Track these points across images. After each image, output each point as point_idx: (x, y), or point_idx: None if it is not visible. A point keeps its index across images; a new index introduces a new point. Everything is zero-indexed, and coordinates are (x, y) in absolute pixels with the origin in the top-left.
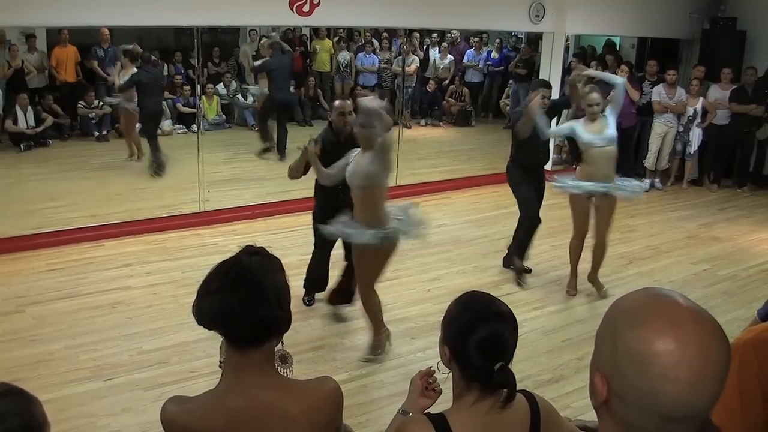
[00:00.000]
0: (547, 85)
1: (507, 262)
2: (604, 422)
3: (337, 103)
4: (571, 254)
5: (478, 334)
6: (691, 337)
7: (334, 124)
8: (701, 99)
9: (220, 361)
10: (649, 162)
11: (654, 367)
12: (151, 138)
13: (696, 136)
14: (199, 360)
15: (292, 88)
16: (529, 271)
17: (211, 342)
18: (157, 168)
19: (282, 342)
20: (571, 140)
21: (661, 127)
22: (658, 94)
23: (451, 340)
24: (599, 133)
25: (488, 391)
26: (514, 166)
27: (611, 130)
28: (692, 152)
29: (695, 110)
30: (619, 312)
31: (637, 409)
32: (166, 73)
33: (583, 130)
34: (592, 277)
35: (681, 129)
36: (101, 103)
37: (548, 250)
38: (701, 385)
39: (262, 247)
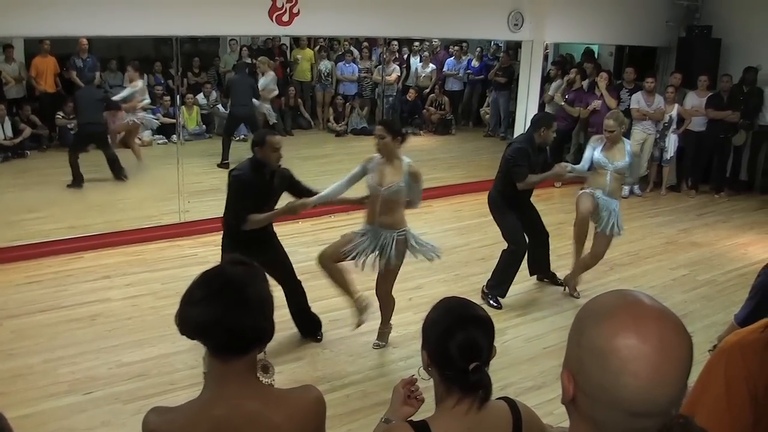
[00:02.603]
0: (551, 121)
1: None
2: (573, 419)
3: (276, 138)
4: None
5: (456, 338)
6: (651, 333)
7: (266, 160)
8: (676, 106)
9: (204, 372)
10: None
11: (614, 361)
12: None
13: (672, 142)
14: (179, 372)
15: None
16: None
17: (192, 354)
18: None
19: (264, 351)
20: None
21: (640, 134)
22: (637, 101)
23: (430, 344)
24: (612, 158)
25: (468, 394)
26: (501, 197)
27: (624, 162)
28: (669, 158)
29: (671, 117)
30: (587, 311)
31: (600, 404)
32: (146, 84)
33: (599, 153)
34: (570, 278)
35: (658, 136)
36: None
37: None
38: (661, 380)
39: (246, 258)
